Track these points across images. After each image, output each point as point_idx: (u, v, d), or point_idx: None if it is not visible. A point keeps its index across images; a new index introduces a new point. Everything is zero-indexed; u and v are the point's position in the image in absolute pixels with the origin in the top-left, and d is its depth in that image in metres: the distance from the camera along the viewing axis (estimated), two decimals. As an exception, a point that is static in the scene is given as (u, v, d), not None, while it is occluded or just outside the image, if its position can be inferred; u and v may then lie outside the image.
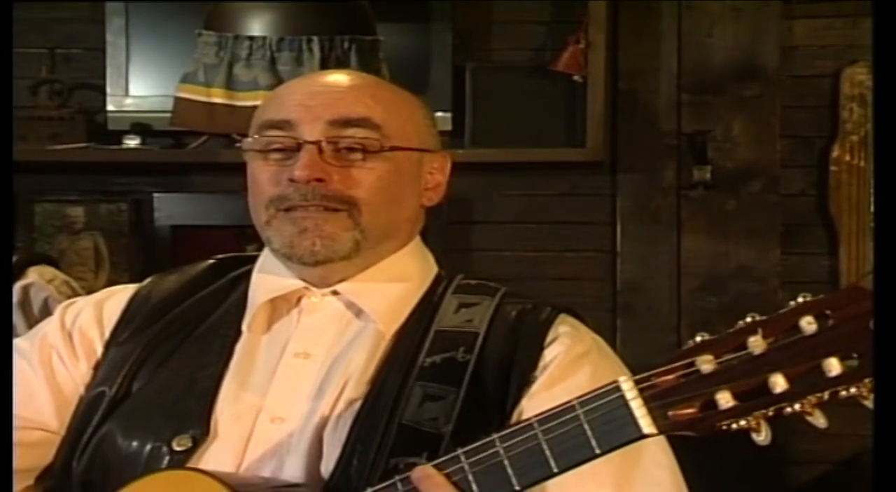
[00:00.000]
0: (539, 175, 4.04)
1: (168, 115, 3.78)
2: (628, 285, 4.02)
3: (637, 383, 1.25)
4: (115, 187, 4.09)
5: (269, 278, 1.72)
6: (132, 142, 3.92)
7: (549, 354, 1.61)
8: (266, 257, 1.74)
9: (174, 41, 3.91)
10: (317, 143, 1.61)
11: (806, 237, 4.05)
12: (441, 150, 1.79)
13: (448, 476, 1.33)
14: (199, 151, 3.90)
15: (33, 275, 3.06)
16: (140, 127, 3.93)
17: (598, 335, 1.72)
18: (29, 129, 3.86)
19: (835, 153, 4.02)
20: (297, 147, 1.63)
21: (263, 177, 1.66)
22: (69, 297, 3.05)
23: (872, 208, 3.93)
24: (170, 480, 1.53)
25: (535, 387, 1.58)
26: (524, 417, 1.52)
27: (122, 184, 4.09)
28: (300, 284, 1.70)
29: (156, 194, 4.05)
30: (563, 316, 1.68)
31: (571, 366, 1.60)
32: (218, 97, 3.73)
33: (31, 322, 2.94)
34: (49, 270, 3.14)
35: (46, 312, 2.99)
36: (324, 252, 1.63)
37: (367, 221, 1.64)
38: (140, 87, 3.96)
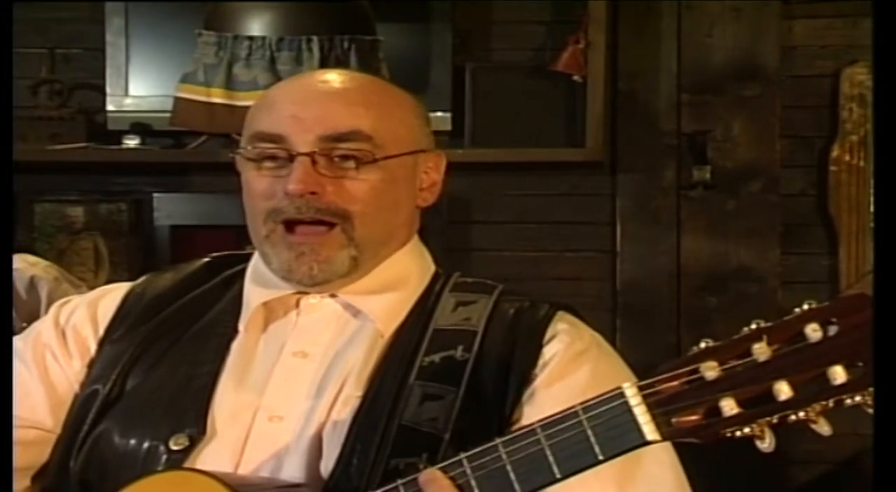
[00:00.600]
0: (539, 175, 4.04)
1: (168, 115, 3.78)
2: (628, 285, 4.02)
3: (641, 389, 1.25)
4: (115, 187, 4.09)
5: (265, 280, 1.72)
6: (132, 142, 3.92)
7: (549, 351, 1.61)
8: (260, 260, 1.74)
9: (174, 41, 3.91)
10: (310, 154, 1.61)
11: (806, 237, 4.05)
12: (435, 148, 1.78)
13: (451, 480, 1.33)
14: (198, 151, 3.90)
15: (17, 261, 3.08)
16: (140, 127, 3.93)
17: (597, 333, 1.72)
18: (29, 129, 3.86)
19: (834, 153, 4.02)
20: (291, 158, 1.62)
21: (258, 189, 1.65)
22: (55, 277, 3.08)
23: (872, 208, 3.93)
24: (169, 480, 1.52)
25: (534, 385, 1.58)
26: (524, 415, 1.53)
27: (122, 184, 4.09)
28: (297, 288, 1.70)
29: (155, 194, 4.05)
30: (561, 313, 1.68)
31: (571, 363, 1.60)
32: (217, 97, 3.73)
33: (19, 306, 2.95)
34: (32, 257, 3.16)
35: (34, 291, 3.01)
36: (322, 275, 1.63)
37: (362, 234, 1.63)
38: (140, 87, 3.96)
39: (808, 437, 1.20)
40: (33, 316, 2.92)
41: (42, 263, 3.14)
